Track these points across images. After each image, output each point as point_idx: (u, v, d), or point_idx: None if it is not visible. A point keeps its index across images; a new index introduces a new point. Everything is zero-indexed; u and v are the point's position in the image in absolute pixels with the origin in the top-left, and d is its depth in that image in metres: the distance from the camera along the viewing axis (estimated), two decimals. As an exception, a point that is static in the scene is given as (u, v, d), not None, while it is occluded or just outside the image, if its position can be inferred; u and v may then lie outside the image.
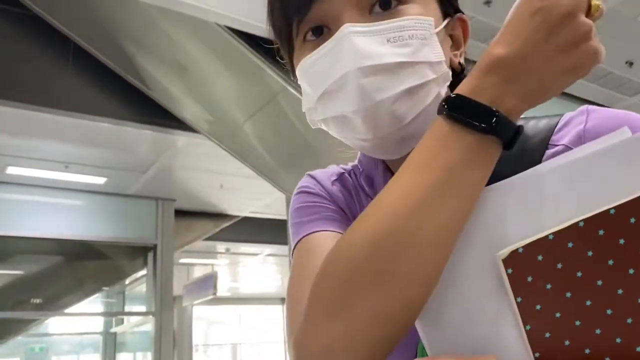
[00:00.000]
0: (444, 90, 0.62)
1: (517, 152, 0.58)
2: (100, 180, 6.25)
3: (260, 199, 7.17)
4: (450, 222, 0.48)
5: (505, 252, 0.46)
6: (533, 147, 0.61)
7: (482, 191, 0.49)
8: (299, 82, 0.66)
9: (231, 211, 7.87)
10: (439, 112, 0.51)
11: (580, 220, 0.44)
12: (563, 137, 0.60)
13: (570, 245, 0.45)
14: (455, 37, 0.68)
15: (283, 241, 6.31)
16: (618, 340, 0.45)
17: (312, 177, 0.77)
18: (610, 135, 0.46)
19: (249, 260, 10.61)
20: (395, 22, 0.58)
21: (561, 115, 0.64)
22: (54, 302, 7.13)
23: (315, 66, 0.62)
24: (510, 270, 0.46)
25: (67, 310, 7.31)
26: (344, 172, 0.77)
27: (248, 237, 8.56)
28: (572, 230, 0.45)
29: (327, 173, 0.77)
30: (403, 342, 0.51)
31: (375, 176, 0.72)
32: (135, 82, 4.70)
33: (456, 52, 0.67)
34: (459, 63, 0.67)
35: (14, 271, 6.93)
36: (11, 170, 5.70)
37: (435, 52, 0.60)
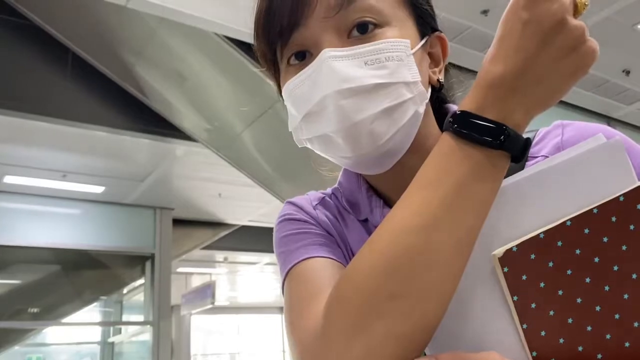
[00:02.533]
0: (421, 108, 0.64)
1: None
2: (98, 190, 6.24)
3: (258, 207, 7.17)
4: (465, 237, 0.48)
5: (500, 250, 0.47)
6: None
7: None
8: (285, 103, 0.69)
9: (229, 220, 7.86)
10: (446, 129, 0.52)
11: (567, 220, 0.46)
12: (542, 149, 0.64)
13: (559, 243, 0.46)
14: (434, 55, 0.70)
15: (281, 250, 6.29)
16: (608, 336, 0.47)
17: (293, 203, 0.77)
18: (587, 141, 0.48)
19: (247, 269, 10.59)
20: (372, 46, 0.61)
21: (535, 130, 0.67)
22: (52, 312, 7.09)
23: (298, 89, 0.64)
24: (506, 269, 0.47)
25: (64, 320, 7.28)
26: (324, 197, 0.79)
27: (246, 245, 8.55)
28: (560, 230, 0.46)
29: (308, 199, 0.78)
30: None
31: (358, 198, 0.74)
32: (134, 92, 4.71)
33: (435, 69, 0.69)
34: (438, 80, 0.69)
35: (11, 280, 6.90)
36: (9, 179, 5.69)
37: (412, 72, 0.62)
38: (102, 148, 5.21)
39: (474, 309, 0.50)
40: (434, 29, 0.70)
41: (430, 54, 0.69)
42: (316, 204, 0.77)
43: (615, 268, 0.46)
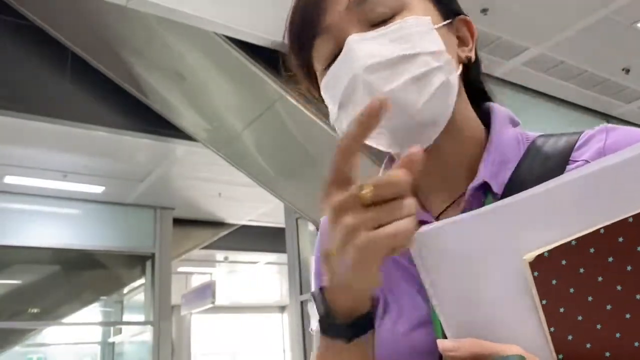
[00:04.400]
0: (452, 78, 0.64)
1: (539, 170, 0.63)
2: (98, 190, 6.24)
3: (258, 207, 7.17)
4: None
5: (531, 255, 0.48)
6: (554, 165, 0.64)
7: (508, 200, 0.50)
8: (326, 104, 0.71)
9: (229, 219, 7.86)
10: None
11: (601, 228, 0.46)
12: (583, 154, 0.63)
13: (591, 250, 0.47)
14: (461, 37, 0.71)
15: (282, 249, 6.30)
16: (636, 344, 0.47)
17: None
18: (628, 149, 0.48)
19: (247, 268, 10.59)
20: (395, 25, 0.63)
21: (580, 132, 0.67)
22: (52, 312, 7.10)
23: (331, 81, 0.66)
24: (536, 274, 0.48)
25: (65, 320, 7.29)
26: None
27: (247, 245, 8.55)
28: (593, 237, 0.47)
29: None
30: (426, 351, 0.54)
31: None
32: (134, 92, 4.71)
33: (464, 47, 0.71)
34: (467, 57, 0.70)
35: (11, 281, 6.91)
36: (9, 179, 5.69)
37: (436, 43, 0.64)
38: (102, 148, 5.21)
39: (502, 311, 0.51)
40: (458, 13, 0.72)
41: (458, 37, 0.71)
42: None
43: None
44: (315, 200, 5.04)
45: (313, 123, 4.08)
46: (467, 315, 0.52)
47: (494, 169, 0.66)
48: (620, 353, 0.48)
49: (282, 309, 13.04)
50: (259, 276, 11.08)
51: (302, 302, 5.71)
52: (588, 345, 0.48)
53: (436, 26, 0.65)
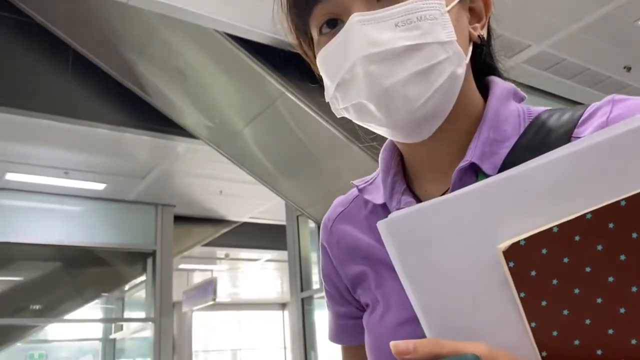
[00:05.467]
0: (460, 69, 0.60)
1: (539, 149, 0.56)
2: (99, 187, 6.25)
3: (259, 204, 7.18)
4: None
5: (506, 244, 0.43)
6: (554, 142, 0.58)
7: (482, 183, 0.46)
8: (320, 74, 0.67)
9: (230, 217, 7.87)
10: None
11: (588, 213, 0.42)
12: (587, 129, 0.58)
13: (577, 238, 0.42)
14: (475, 10, 0.67)
15: (282, 247, 6.30)
16: (633, 341, 0.43)
17: (324, 223, 0.80)
18: (622, 123, 0.42)
19: (248, 265, 10.60)
20: (402, 6, 0.58)
21: (588, 105, 0.61)
22: (54, 309, 7.12)
23: (329, 58, 0.62)
24: (511, 264, 0.43)
25: (66, 317, 7.30)
26: (352, 200, 0.78)
27: (247, 242, 8.56)
28: (578, 223, 0.42)
29: (329, 217, 0.79)
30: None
31: (386, 181, 0.71)
32: (135, 89, 4.71)
33: (476, 24, 0.66)
34: (479, 36, 0.65)
35: (13, 277, 6.92)
36: (11, 176, 5.70)
37: (447, 31, 0.59)
38: (103, 145, 5.22)
39: (477, 306, 0.47)
40: None
41: (471, 9, 0.66)
42: (334, 221, 0.77)
43: None
44: (316, 198, 5.04)
45: (314, 120, 4.08)
46: (443, 310, 0.48)
47: (485, 149, 0.61)
48: (614, 351, 0.43)
49: (283, 306, 13.05)
50: (260, 273, 11.09)
51: (302, 299, 5.71)
52: (576, 342, 0.44)
53: (449, 7, 0.60)
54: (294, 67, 4.04)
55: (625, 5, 3.88)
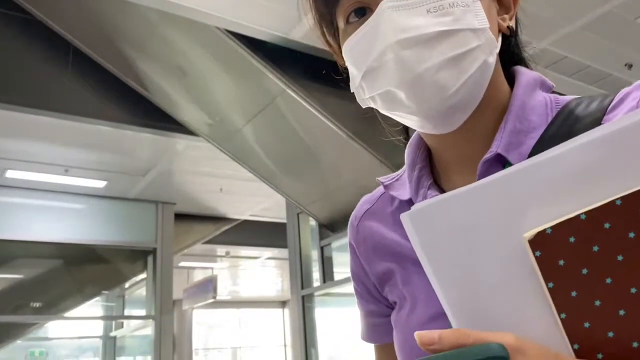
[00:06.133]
0: (491, 58, 0.59)
1: (566, 136, 0.54)
2: (100, 184, 6.25)
3: (260, 202, 7.18)
4: None
5: (531, 233, 0.42)
6: (582, 130, 0.56)
7: (506, 171, 0.44)
8: (345, 65, 0.66)
9: (231, 214, 7.86)
10: None
11: (617, 199, 0.40)
12: (617, 115, 0.56)
13: (607, 226, 0.40)
14: (503, 1, 0.66)
15: (283, 244, 6.30)
16: None
17: (350, 222, 0.79)
18: None
19: (249, 263, 10.60)
20: None
21: (614, 94, 0.59)
22: (54, 306, 7.11)
23: (357, 46, 0.61)
24: (538, 253, 0.42)
25: (66, 314, 7.30)
26: (379, 196, 0.77)
27: (248, 240, 8.57)
28: (608, 210, 0.40)
29: (356, 214, 0.79)
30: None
31: (412, 176, 0.70)
32: (135, 86, 4.70)
33: (504, 15, 0.66)
34: (508, 27, 0.65)
35: (13, 275, 6.92)
36: (11, 174, 5.70)
37: (479, 19, 0.58)
38: (103, 142, 5.21)
39: (508, 297, 0.45)
40: None
41: (499, 1, 0.65)
42: (360, 219, 0.77)
43: None
44: (316, 195, 5.04)
45: (314, 118, 4.08)
46: (469, 301, 0.46)
47: (512, 140, 0.60)
48: None
49: (283, 303, 13.07)
50: (260, 271, 11.09)
51: (303, 297, 5.71)
52: (610, 334, 0.42)
53: None
54: (294, 64, 4.04)
55: (627, 2, 3.87)
